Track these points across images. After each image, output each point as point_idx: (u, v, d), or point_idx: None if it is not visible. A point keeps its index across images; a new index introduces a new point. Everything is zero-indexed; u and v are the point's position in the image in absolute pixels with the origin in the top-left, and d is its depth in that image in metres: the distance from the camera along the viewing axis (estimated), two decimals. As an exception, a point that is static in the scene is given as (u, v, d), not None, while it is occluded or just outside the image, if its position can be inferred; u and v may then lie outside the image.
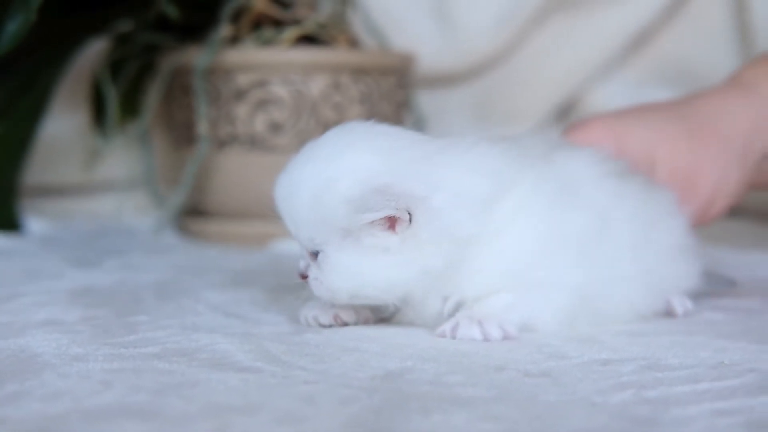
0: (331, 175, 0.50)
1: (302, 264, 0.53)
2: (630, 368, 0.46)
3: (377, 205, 0.49)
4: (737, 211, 0.99)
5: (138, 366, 0.45)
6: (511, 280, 0.53)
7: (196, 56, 0.89)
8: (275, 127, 0.91)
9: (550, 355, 0.49)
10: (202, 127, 0.90)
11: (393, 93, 0.94)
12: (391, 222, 0.50)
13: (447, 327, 0.52)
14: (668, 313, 0.60)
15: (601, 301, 0.55)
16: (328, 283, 0.52)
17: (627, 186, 0.58)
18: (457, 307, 0.53)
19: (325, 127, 0.91)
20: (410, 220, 0.50)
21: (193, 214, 0.98)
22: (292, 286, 0.69)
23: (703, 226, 0.69)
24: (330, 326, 0.55)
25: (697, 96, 0.72)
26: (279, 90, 0.90)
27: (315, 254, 0.52)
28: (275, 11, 0.92)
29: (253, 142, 0.91)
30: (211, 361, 0.46)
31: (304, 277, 0.53)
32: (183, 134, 0.95)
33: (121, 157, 1.02)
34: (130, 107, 0.96)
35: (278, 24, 0.92)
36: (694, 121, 0.69)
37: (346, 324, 0.56)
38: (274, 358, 0.47)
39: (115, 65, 0.94)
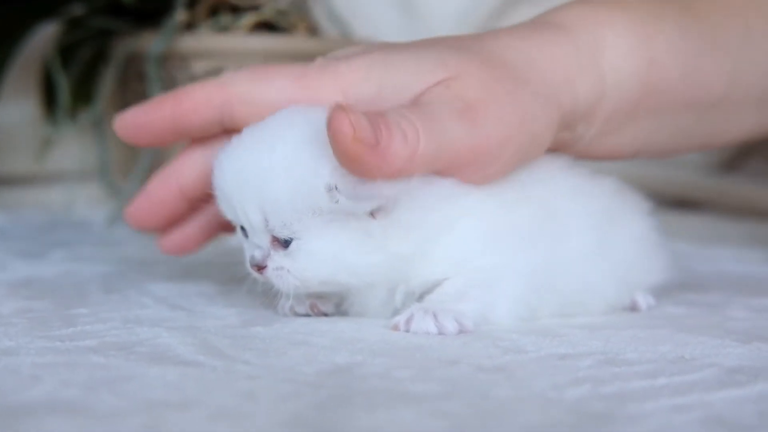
0: (314, 158, 0.48)
1: (259, 254, 0.51)
2: (588, 363, 0.44)
3: (369, 194, 0.48)
4: (699, 206, 0.99)
5: (72, 360, 0.43)
6: (459, 267, 0.52)
7: (150, 42, 0.87)
8: (232, 117, 0.88)
9: (507, 349, 0.47)
10: (157, 116, 0.87)
11: (354, 83, 0.92)
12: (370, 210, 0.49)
13: (401, 319, 0.50)
14: (632, 308, 0.59)
15: (562, 293, 0.54)
16: (299, 272, 0.50)
17: (580, 178, 0.57)
18: (406, 298, 0.52)
19: (284, 116, 0.89)
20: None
21: (147, 205, 0.96)
22: (242, 278, 0.67)
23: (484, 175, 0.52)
24: (307, 315, 0.54)
25: (497, 33, 0.56)
26: (236, 78, 0.88)
27: (283, 242, 0.50)
28: (233, -3, 0.89)
29: (210, 132, 0.89)
30: (150, 355, 0.44)
31: (261, 268, 0.51)
32: (137, 123, 0.92)
33: (74, 147, 1.00)
34: (83, 94, 0.93)
35: (236, 10, 0.90)
36: (492, 59, 0.53)
37: (324, 314, 0.54)
38: (217, 352, 0.45)
39: (66, 51, 0.91)
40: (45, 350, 0.45)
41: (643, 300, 0.59)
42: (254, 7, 0.90)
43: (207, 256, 0.78)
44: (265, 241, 0.51)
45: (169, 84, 0.88)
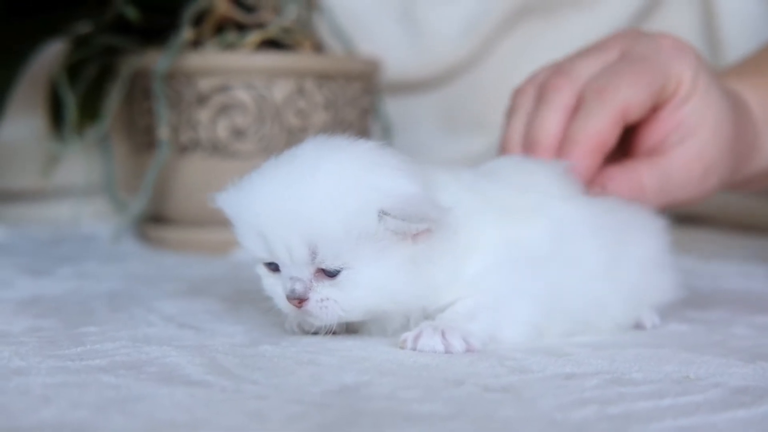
0: (361, 186, 0.49)
1: (300, 286, 0.50)
2: (593, 383, 0.45)
3: (419, 216, 0.48)
4: (703, 221, 0.99)
5: (82, 380, 0.43)
6: (471, 288, 0.52)
7: (156, 60, 0.87)
8: (238, 133, 0.89)
9: (513, 368, 0.47)
10: (163, 132, 0.88)
11: (358, 99, 0.93)
12: (415, 234, 0.49)
13: (410, 336, 0.51)
14: (637, 327, 0.59)
15: (570, 313, 0.55)
16: (346, 302, 0.50)
17: (590, 200, 0.57)
18: (422, 319, 0.53)
19: (289, 133, 0.90)
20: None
21: (153, 220, 0.96)
22: (250, 295, 0.67)
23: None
24: (314, 334, 0.54)
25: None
26: (242, 95, 0.88)
27: (330, 273, 0.49)
28: (238, 15, 0.90)
29: (216, 148, 0.89)
30: (159, 375, 0.45)
31: (302, 300, 0.50)
32: (143, 139, 0.93)
33: (80, 163, 1.00)
34: (89, 111, 0.94)
35: (241, 28, 0.90)
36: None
37: (332, 332, 0.54)
38: (226, 372, 0.45)
39: (73, 68, 0.91)
40: (55, 370, 0.45)
41: (649, 319, 0.60)
42: (259, 25, 0.90)
43: (213, 273, 0.79)
44: (306, 273, 0.50)
45: (176, 101, 0.89)
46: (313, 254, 0.49)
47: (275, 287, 0.52)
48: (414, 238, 0.49)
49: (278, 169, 0.51)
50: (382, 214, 0.48)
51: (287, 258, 0.50)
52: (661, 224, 0.61)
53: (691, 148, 0.63)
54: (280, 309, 0.52)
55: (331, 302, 0.50)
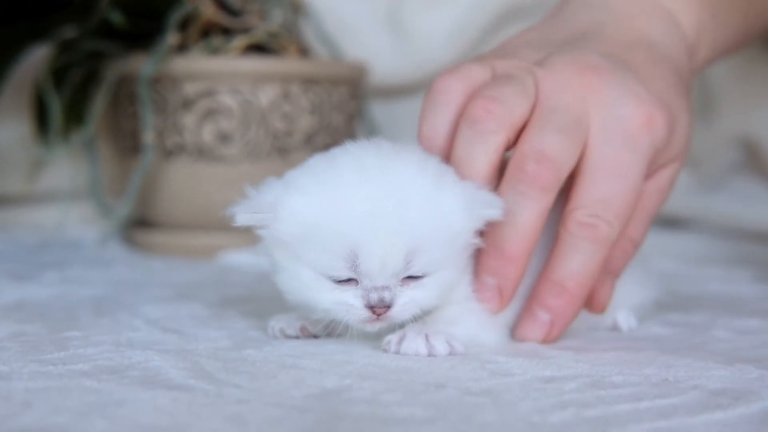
0: (447, 192, 0.50)
1: (389, 295, 0.49)
2: (573, 386, 0.45)
3: (487, 211, 0.51)
4: (685, 225, 0.99)
5: (64, 384, 0.44)
6: (456, 291, 0.52)
7: (142, 64, 0.87)
8: (223, 137, 0.89)
9: (494, 372, 0.48)
10: (148, 137, 0.88)
11: (345, 103, 0.93)
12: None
13: (393, 338, 0.51)
14: (613, 328, 0.60)
15: None
16: (426, 301, 0.50)
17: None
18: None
19: (275, 137, 0.90)
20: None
21: (139, 225, 0.96)
22: (234, 300, 0.68)
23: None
24: (296, 338, 0.54)
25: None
26: (227, 99, 0.88)
27: (415, 278, 0.50)
28: (224, 19, 0.90)
29: (201, 152, 0.89)
30: (141, 379, 0.45)
31: (388, 308, 0.50)
32: (129, 144, 0.93)
33: (66, 167, 1.00)
34: (75, 116, 0.94)
35: (227, 32, 0.90)
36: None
37: (314, 336, 0.55)
38: (208, 376, 0.45)
39: (58, 73, 0.91)
40: (37, 375, 0.45)
41: (625, 321, 0.60)
42: (245, 30, 0.90)
43: (199, 277, 0.79)
44: (394, 281, 0.50)
45: (162, 105, 0.89)
46: (409, 263, 0.49)
47: (347, 299, 0.50)
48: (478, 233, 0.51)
49: (356, 180, 0.49)
50: (476, 211, 0.50)
51: (378, 271, 0.49)
52: None
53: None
54: (349, 319, 0.50)
55: (412, 303, 0.50)
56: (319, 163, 0.51)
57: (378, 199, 0.49)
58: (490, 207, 0.51)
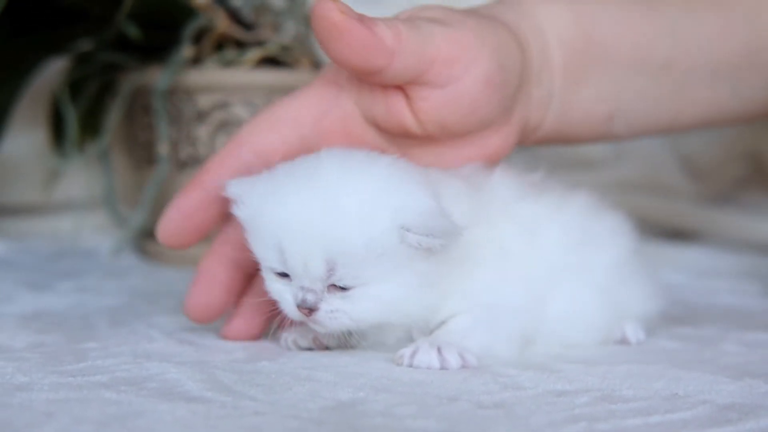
0: (383, 204, 0.49)
1: (312, 297, 0.50)
2: (584, 400, 0.46)
3: (440, 231, 0.49)
4: (694, 237, 1.00)
5: (84, 396, 0.44)
6: (468, 302, 0.53)
7: (156, 76, 0.88)
8: (237, 149, 0.90)
9: (506, 385, 0.48)
10: (163, 148, 0.89)
11: (356, 116, 0.94)
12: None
13: (406, 352, 0.52)
14: (622, 341, 0.60)
15: (553, 324, 0.56)
16: (357, 314, 0.50)
17: (554, 204, 0.58)
18: (420, 334, 0.54)
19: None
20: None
21: (152, 235, 0.97)
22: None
23: None
24: (310, 349, 0.55)
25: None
26: (241, 112, 0.89)
27: (342, 288, 0.50)
28: (238, 32, 0.91)
29: (215, 164, 0.90)
30: (159, 391, 0.46)
31: (312, 310, 0.51)
32: (144, 155, 0.94)
33: (81, 177, 1.01)
34: (90, 127, 0.95)
35: (241, 45, 0.92)
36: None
37: (327, 348, 0.55)
38: (225, 388, 0.46)
39: (74, 84, 0.92)
40: (58, 386, 0.46)
41: (633, 333, 0.60)
42: (259, 43, 0.91)
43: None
44: (319, 286, 0.50)
45: (176, 117, 0.90)
46: (331, 271, 0.50)
47: (284, 293, 0.52)
48: (428, 252, 0.50)
49: (299, 181, 0.50)
50: (405, 230, 0.49)
51: (302, 271, 0.50)
52: (629, 225, 0.61)
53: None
54: (286, 313, 0.52)
55: (341, 313, 0.51)
56: (296, 162, 0.52)
57: (309, 204, 0.49)
58: (428, 235, 0.48)
